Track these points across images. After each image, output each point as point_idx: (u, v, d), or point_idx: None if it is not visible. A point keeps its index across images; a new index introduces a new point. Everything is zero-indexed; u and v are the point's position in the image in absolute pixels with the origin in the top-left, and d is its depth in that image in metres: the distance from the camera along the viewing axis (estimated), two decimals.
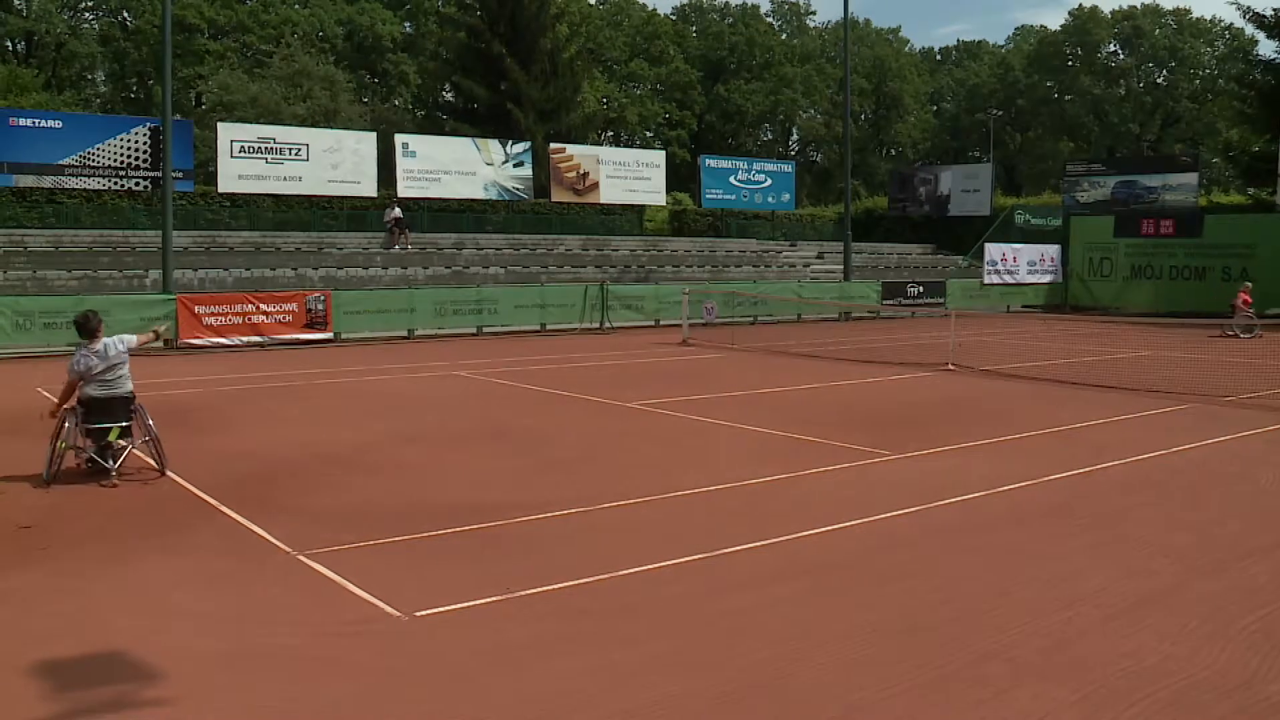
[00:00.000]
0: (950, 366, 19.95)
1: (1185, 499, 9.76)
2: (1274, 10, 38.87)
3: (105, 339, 10.33)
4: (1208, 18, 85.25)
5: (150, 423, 10.36)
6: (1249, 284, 28.76)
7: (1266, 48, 69.83)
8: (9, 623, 6.38)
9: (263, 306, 24.38)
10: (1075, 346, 25.05)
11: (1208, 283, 37.29)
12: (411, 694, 5.39)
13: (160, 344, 10.52)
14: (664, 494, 9.58)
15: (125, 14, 68.12)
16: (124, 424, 10.21)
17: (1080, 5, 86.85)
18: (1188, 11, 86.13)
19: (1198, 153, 51.31)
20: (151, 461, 10.40)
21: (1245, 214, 39.36)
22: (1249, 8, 40.09)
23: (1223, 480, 10.60)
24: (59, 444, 10.04)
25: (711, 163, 45.53)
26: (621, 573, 7.27)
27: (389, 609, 6.52)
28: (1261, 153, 40.72)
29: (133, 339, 10.55)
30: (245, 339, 23.94)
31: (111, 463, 10.05)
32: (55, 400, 10.38)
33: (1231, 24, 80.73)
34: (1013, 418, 14.18)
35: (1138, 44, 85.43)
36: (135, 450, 10.37)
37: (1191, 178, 41.92)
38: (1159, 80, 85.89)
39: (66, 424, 10.11)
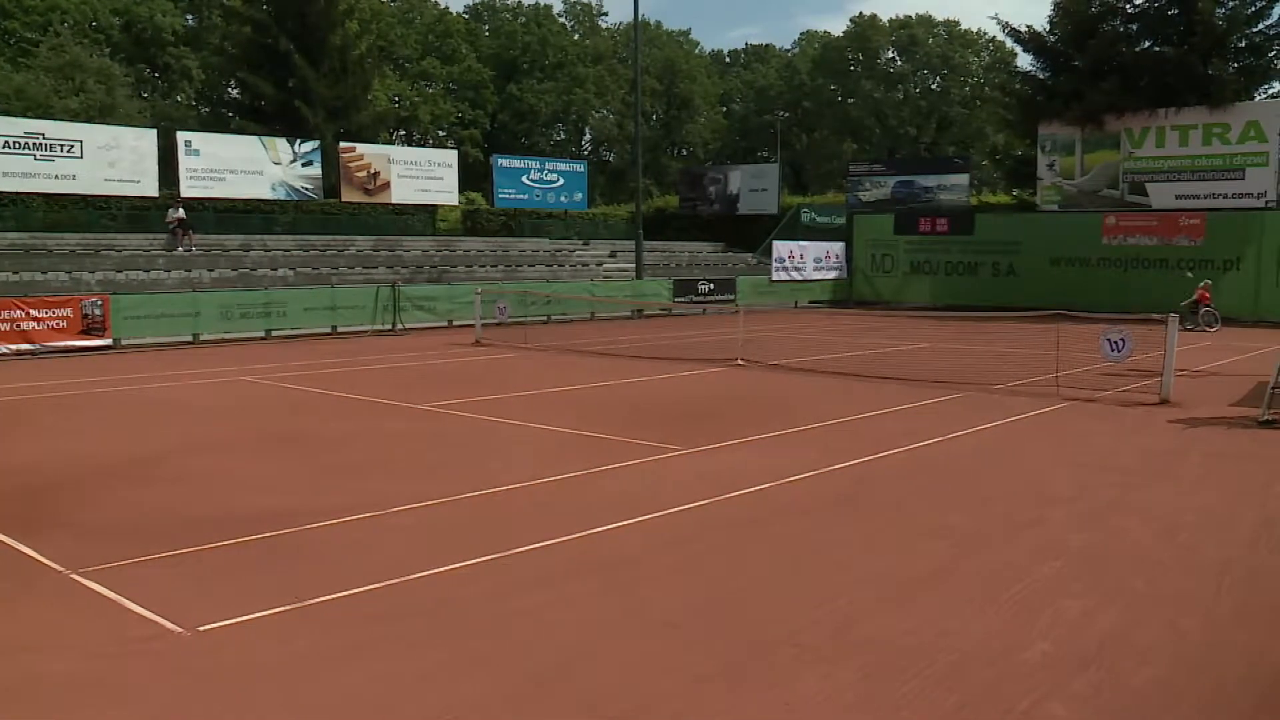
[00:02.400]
0: (740, 362, 20.49)
1: (958, 483, 10.35)
2: (1028, 27, 41.52)
3: None
4: (975, 30, 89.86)
5: None
6: (1208, 281, 30.12)
7: (1024, 60, 74.04)
8: None
9: (33, 312, 23.08)
10: (859, 340, 26.08)
11: (980, 277, 39.56)
12: (193, 712, 5.27)
13: None
14: (455, 496, 9.58)
15: None
16: None
17: (861, 13, 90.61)
18: (957, 23, 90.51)
19: (969, 155, 54.07)
20: None
21: (1011, 213, 41.78)
22: (1008, 24, 42.79)
23: (992, 463, 11.32)
24: None
25: (504, 162, 45.42)
26: (412, 577, 7.25)
27: (171, 625, 6.33)
28: (1023, 156, 43.30)
29: None
30: (13, 347, 22.58)
31: None
32: None
33: (994, 37, 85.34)
34: (799, 411, 14.69)
35: (914, 52, 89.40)
36: None
37: (963, 178, 44.18)
38: (933, 86, 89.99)
39: None
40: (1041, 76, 41.79)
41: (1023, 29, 41.59)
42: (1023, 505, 9.42)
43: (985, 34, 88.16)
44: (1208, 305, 28.78)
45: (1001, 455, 11.84)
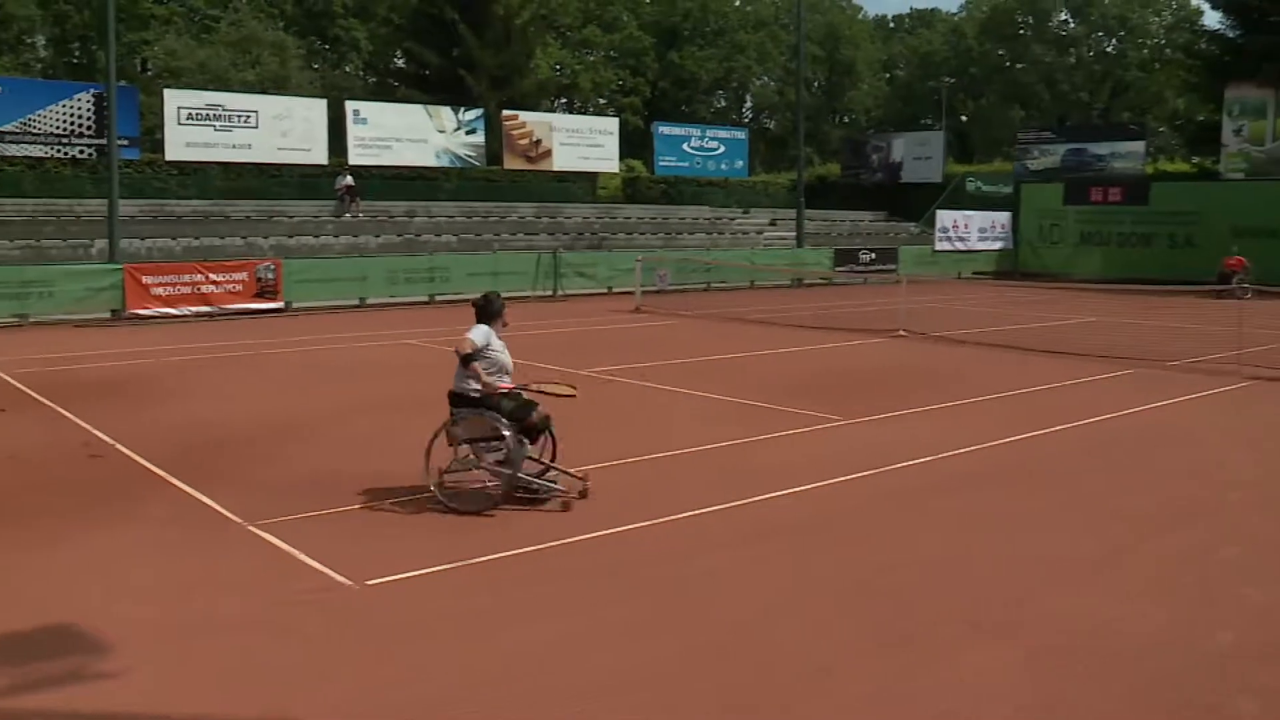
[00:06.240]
0: (902, 333, 20.10)
1: (1133, 462, 9.94)
2: None
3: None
4: None
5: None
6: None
7: (1212, 18, 70.46)
8: None
9: (212, 276, 24.04)
10: (1025, 313, 25.31)
11: (1154, 249, 37.82)
12: (361, 661, 5.40)
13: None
14: (619, 460, 9.62)
15: None
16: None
17: None
18: None
19: (1145, 121, 51.79)
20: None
21: (1190, 182, 39.86)
22: None
23: (1168, 443, 10.82)
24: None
25: (665, 130, 45.34)
26: (568, 540, 7.32)
27: (341, 578, 6.52)
28: (1206, 121, 41.25)
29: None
30: (194, 309, 23.59)
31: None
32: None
33: None
34: (964, 383, 14.33)
35: (1088, 13, 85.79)
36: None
37: (1139, 146, 42.33)
38: (1108, 49, 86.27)
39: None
40: (1231, 35, 39.65)
41: None
42: (1200, 487, 8.99)
43: None
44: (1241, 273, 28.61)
45: (1176, 434, 11.30)
